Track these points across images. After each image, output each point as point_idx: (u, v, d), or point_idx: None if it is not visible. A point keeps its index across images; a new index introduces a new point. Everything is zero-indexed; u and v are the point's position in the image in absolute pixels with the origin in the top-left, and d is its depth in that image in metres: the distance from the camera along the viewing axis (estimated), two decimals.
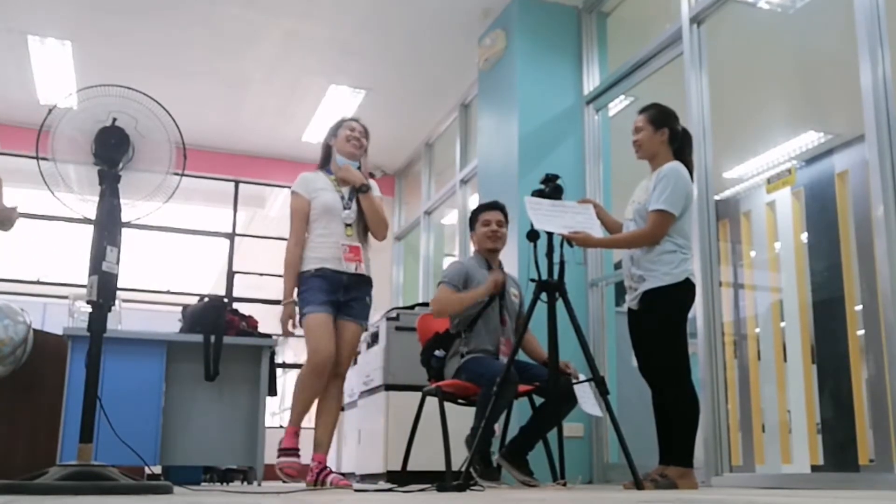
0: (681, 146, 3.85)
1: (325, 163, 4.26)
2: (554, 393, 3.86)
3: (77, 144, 2.89)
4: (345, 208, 4.08)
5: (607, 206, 5.51)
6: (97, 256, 2.77)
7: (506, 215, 4.42)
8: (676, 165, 3.73)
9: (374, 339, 5.77)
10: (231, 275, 8.90)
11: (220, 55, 7.07)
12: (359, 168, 4.20)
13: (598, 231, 3.87)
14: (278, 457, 3.91)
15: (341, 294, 4.02)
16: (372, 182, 4.17)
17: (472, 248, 4.55)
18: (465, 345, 4.20)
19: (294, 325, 4.01)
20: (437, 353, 4.29)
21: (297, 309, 3.99)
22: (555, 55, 6.00)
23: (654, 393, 3.74)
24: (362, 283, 4.10)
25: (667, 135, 3.79)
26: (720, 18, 4.84)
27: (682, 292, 3.66)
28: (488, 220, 4.38)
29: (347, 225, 4.07)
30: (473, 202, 7.21)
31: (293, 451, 3.92)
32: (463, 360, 4.14)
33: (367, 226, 4.14)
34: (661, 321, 3.64)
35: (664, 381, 3.64)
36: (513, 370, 3.77)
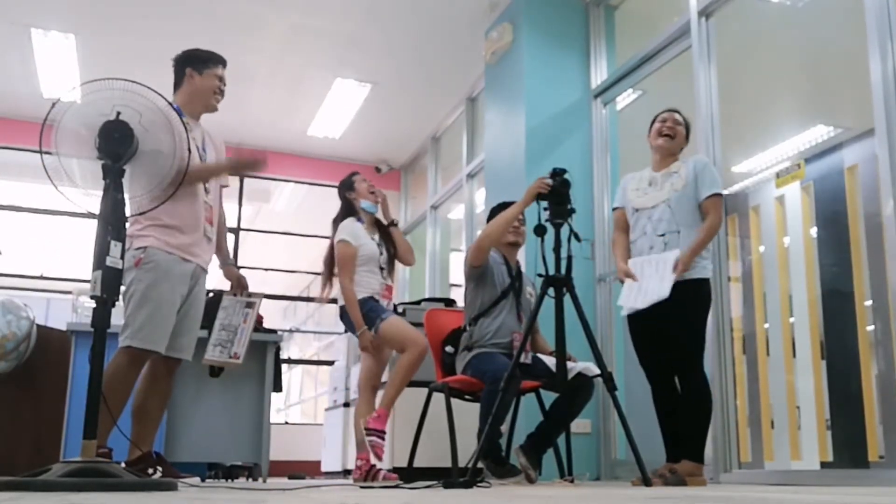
0: None
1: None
2: (562, 386, 3.84)
3: (81, 138, 2.87)
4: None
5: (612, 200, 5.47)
6: (101, 251, 2.75)
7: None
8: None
9: None
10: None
11: (224, 48, 6.93)
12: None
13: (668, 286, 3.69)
14: (367, 435, 4.24)
15: None
16: None
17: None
18: (471, 338, 4.18)
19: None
20: (447, 349, 4.28)
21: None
22: (562, 48, 5.97)
23: (654, 389, 3.74)
24: None
25: (682, 150, 4.01)
26: (729, 11, 4.81)
27: (710, 287, 3.79)
28: None
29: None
30: (480, 197, 7.18)
31: (383, 433, 4.28)
32: (469, 356, 4.12)
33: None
34: (699, 311, 3.73)
35: (688, 369, 3.67)
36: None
